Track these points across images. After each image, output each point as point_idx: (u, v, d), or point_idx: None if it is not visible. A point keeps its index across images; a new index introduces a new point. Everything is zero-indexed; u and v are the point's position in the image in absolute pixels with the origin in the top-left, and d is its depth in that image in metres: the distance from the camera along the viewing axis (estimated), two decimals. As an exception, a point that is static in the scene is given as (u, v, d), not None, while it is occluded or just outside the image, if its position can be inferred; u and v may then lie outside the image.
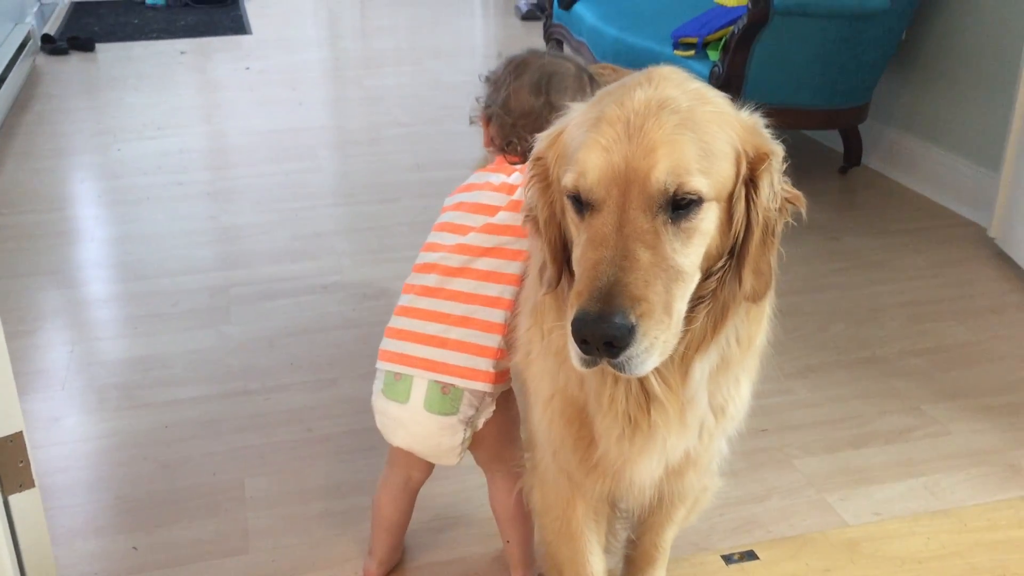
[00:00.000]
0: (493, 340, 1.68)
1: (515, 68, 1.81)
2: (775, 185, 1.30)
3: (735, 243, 1.32)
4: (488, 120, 1.83)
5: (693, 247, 1.26)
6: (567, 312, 1.25)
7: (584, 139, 1.27)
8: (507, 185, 1.76)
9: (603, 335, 1.18)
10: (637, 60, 3.49)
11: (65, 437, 2.45)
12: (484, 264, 1.70)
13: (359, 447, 2.40)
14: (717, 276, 1.33)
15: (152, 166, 4.28)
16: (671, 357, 1.33)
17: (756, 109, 1.35)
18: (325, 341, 2.88)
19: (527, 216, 1.44)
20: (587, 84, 1.80)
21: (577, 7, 4.69)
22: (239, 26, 6.82)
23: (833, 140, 4.24)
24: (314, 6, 7.75)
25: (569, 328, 1.22)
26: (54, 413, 2.54)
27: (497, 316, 1.67)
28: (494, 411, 1.75)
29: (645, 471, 1.47)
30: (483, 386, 1.69)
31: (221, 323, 2.98)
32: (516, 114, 1.78)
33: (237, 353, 2.82)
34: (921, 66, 3.84)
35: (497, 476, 1.87)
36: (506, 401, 1.81)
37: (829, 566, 2.02)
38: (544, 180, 1.39)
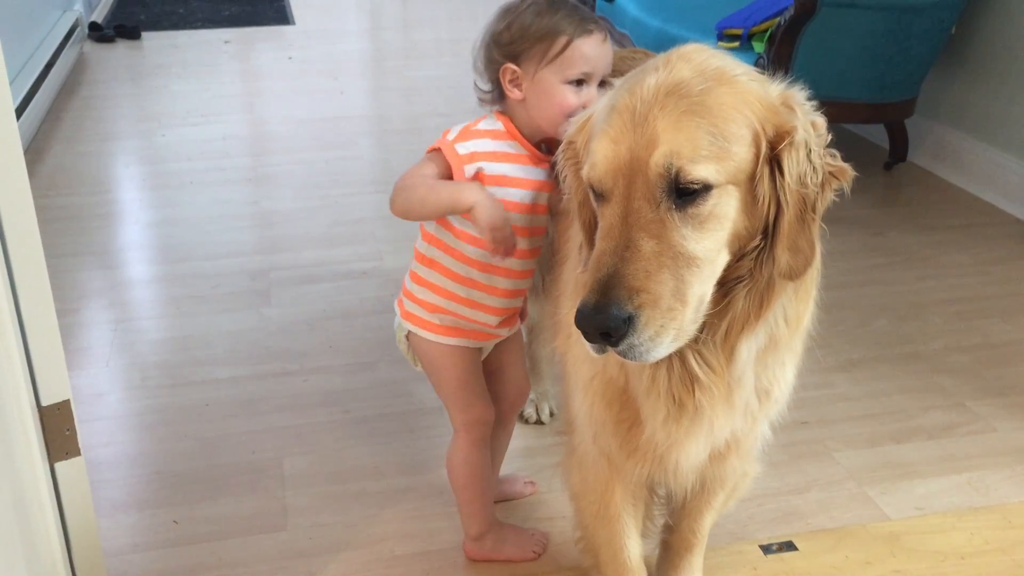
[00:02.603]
0: (407, 281, 1.86)
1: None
2: (807, 161, 1.26)
3: (768, 222, 1.30)
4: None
5: (708, 232, 1.25)
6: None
7: (599, 128, 1.29)
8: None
9: (597, 326, 1.21)
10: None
11: (108, 412, 2.48)
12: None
13: (396, 429, 2.41)
14: (752, 255, 1.31)
15: (195, 152, 4.32)
16: (711, 339, 1.33)
17: (793, 83, 1.33)
18: (363, 325, 2.89)
19: (566, 196, 1.45)
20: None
21: (620, -1, 4.67)
22: (282, 16, 6.87)
23: (878, 135, 4.18)
24: (357, -2, 7.78)
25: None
26: (98, 389, 2.57)
27: (414, 264, 1.84)
28: (417, 350, 1.87)
29: (692, 454, 1.46)
30: (398, 311, 1.89)
31: (261, 305, 3.00)
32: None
33: (276, 335, 2.84)
34: (970, 61, 3.77)
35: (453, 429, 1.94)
36: (428, 358, 1.86)
37: (869, 559, 1.99)
38: (576, 164, 1.41)
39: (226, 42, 6.23)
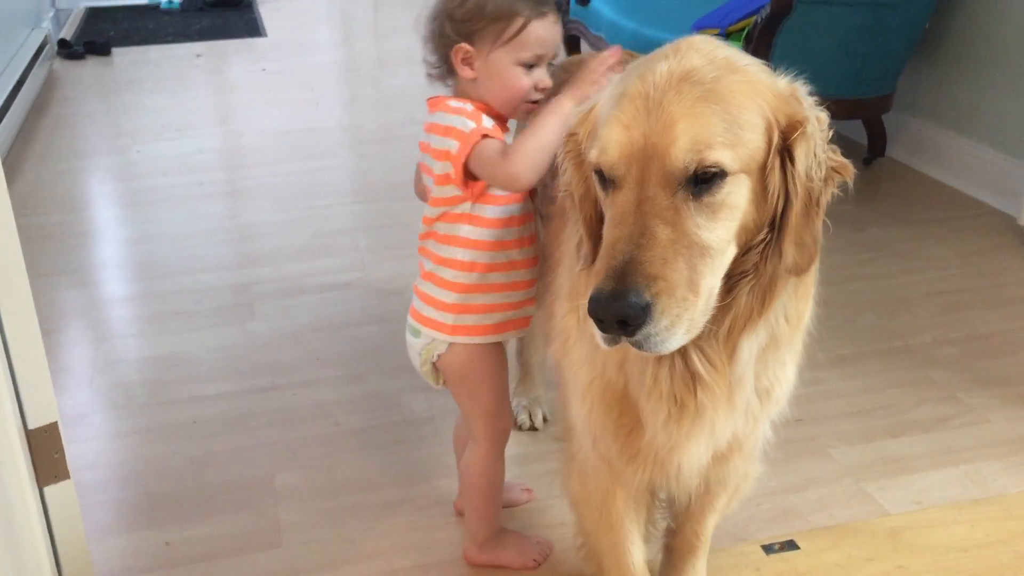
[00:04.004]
0: (447, 296, 1.77)
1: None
2: (813, 155, 1.26)
3: (775, 215, 1.29)
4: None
5: (720, 222, 1.23)
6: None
7: (608, 115, 1.27)
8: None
9: (615, 313, 1.18)
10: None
11: (93, 433, 2.43)
12: (441, 228, 1.76)
13: (387, 441, 2.38)
14: (758, 250, 1.30)
15: (171, 167, 4.27)
16: (714, 335, 1.31)
17: (796, 77, 1.32)
18: (350, 336, 2.86)
19: (564, 192, 1.43)
20: None
21: (595, 2, 4.67)
22: (254, 29, 6.82)
23: (857, 131, 4.20)
24: (328, 8, 7.74)
25: (586, 307, 1.21)
26: (82, 410, 2.52)
27: (449, 275, 1.76)
28: (453, 365, 1.82)
29: (694, 456, 1.44)
30: (437, 335, 1.80)
31: (245, 320, 2.96)
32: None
33: (262, 349, 2.80)
34: (946, 54, 3.80)
35: (472, 440, 1.92)
36: (468, 369, 1.83)
37: (871, 555, 1.98)
38: (577, 156, 1.38)
39: (198, 56, 6.17)
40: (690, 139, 1.19)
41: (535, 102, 1.74)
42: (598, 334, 1.22)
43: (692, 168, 1.20)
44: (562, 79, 2.00)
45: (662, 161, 1.20)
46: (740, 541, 2.03)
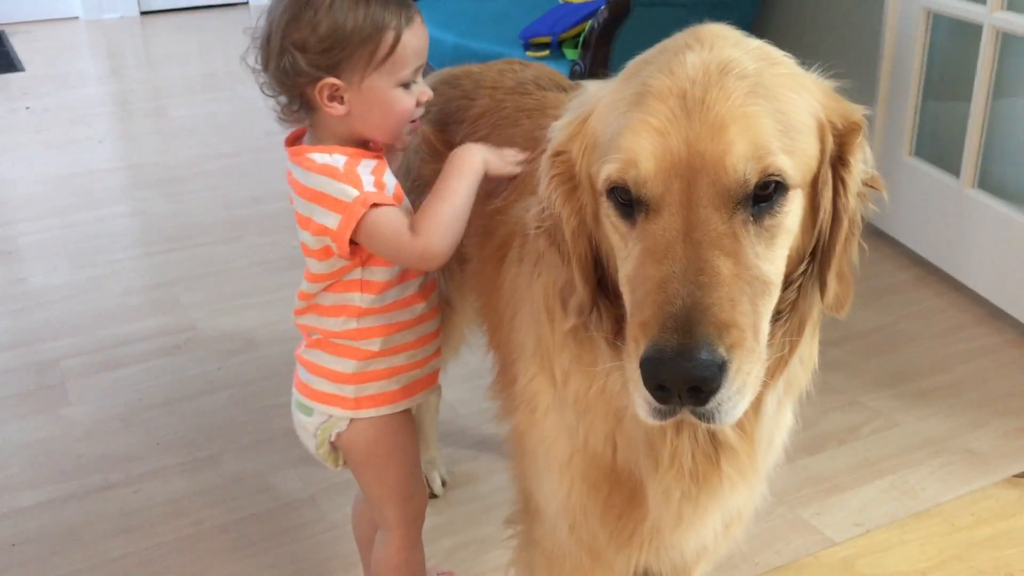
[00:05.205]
0: (345, 365, 1.49)
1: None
2: (867, 164, 1.07)
3: (817, 242, 1.07)
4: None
5: (777, 249, 1.01)
6: (628, 348, 0.98)
7: (626, 121, 1.00)
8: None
9: (688, 377, 0.91)
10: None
11: None
12: (326, 300, 1.49)
13: (264, 535, 2.02)
14: (797, 284, 1.08)
15: (-73, 227, 3.62)
16: None
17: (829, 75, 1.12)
18: (193, 410, 2.44)
19: (539, 227, 1.15)
20: None
21: (405, 15, 4.39)
22: (7, 63, 6.05)
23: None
24: (89, 36, 7.01)
25: (637, 372, 0.94)
26: None
27: (346, 343, 1.49)
28: (356, 444, 1.54)
29: (707, 534, 1.21)
30: (336, 411, 1.52)
31: (58, 405, 2.48)
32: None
33: (86, 439, 2.34)
34: (776, 46, 3.79)
35: (382, 528, 1.64)
36: (374, 447, 1.55)
37: (835, 594, 1.83)
38: (569, 180, 1.11)
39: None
40: (748, 144, 0.95)
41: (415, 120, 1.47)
42: (648, 406, 0.95)
43: (753, 181, 0.96)
44: (452, 96, 1.76)
45: (714, 174, 0.96)
46: (694, 599, 1.82)
